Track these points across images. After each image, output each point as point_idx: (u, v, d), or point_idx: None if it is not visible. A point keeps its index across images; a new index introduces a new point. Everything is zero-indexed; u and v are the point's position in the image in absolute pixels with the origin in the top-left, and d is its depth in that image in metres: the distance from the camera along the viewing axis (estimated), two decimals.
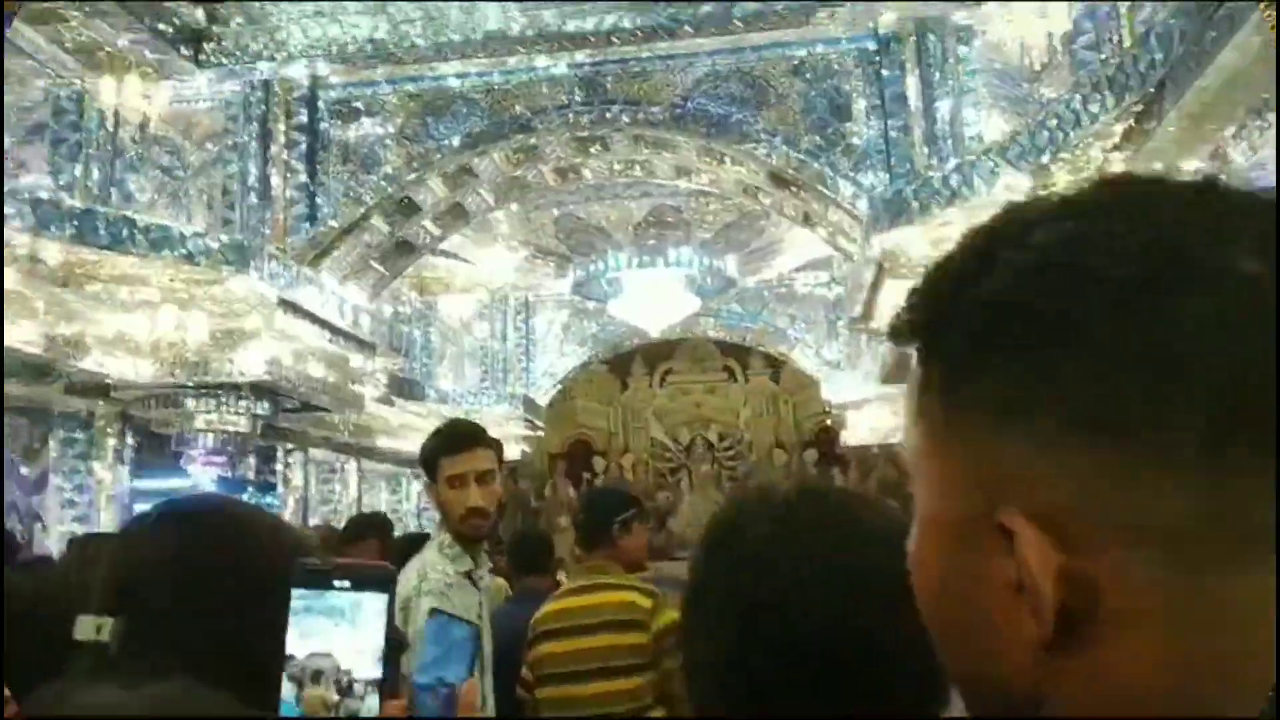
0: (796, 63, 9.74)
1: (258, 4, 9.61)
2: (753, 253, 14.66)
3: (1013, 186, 7.23)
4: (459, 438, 3.04)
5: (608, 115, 9.89)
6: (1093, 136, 6.35)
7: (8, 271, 7.75)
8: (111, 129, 9.92)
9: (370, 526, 5.50)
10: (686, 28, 9.34)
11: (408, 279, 13.95)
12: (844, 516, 1.11)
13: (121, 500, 10.15)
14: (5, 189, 7.62)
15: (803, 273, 16.04)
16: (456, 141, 10.08)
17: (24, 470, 9.61)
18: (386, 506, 16.91)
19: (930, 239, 8.16)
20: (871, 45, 9.61)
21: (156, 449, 10.80)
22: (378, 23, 9.58)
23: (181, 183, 10.99)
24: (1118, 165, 6.58)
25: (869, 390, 15.07)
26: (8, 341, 8.03)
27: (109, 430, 10.27)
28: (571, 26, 9.40)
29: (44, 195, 8.20)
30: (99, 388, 9.54)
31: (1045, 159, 6.80)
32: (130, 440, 10.49)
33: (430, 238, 11.49)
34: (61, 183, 9.71)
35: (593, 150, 10.49)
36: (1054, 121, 6.71)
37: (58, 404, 9.83)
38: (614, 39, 9.47)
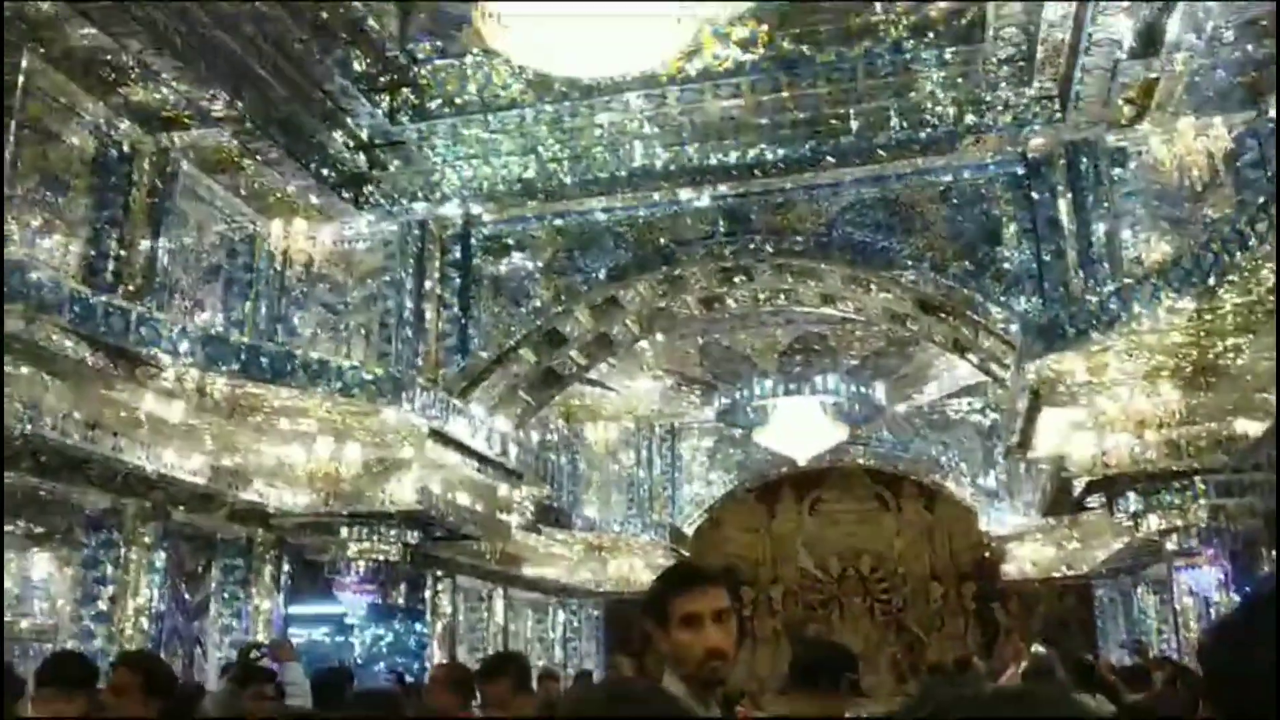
0: (943, 189, 9.65)
1: (415, 148, 10.10)
2: (901, 379, 14.36)
3: (1176, 310, 6.90)
4: (693, 574, 2.92)
5: (751, 245, 9.95)
6: (1262, 258, 6.00)
7: (178, 405, 8.18)
8: (279, 268, 10.49)
9: (506, 663, 5.41)
10: (829, 158, 9.36)
11: (555, 407, 14.16)
12: None
13: (277, 625, 10.38)
14: (183, 327, 8.09)
15: (955, 399, 15.62)
16: (603, 274, 10.28)
17: (187, 596, 9.94)
18: (533, 635, 16.89)
19: (1089, 364, 7.83)
20: (1020, 169, 9.45)
21: (310, 576, 11.07)
22: (527, 162, 9.94)
23: (342, 318, 11.48)
24: None
25: (1029, 521, 14.42)
26: (177, 473, 8.45)
27: (267, 557, 10.58)
28: (714, 160, 9.56)
29: (213, 331, 8.64)
30: (259, 516, 9.88)
31: (1211, 281, 6.47)
32: (286, 567, 10.77)
33: (576, 367, 11.65)
34: (233, 319, 10.26)
35: (737, 280, 10.54)
36: (1218, 243, 6.39)
37: (221, 531, 10.20)
38: (756, 171, 9.58)
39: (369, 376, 8.82)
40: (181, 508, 9.07)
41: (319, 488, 9.41)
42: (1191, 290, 6.72)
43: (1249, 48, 8.54)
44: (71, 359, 7.09)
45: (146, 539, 8.73)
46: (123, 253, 8.74)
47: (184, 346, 7.77)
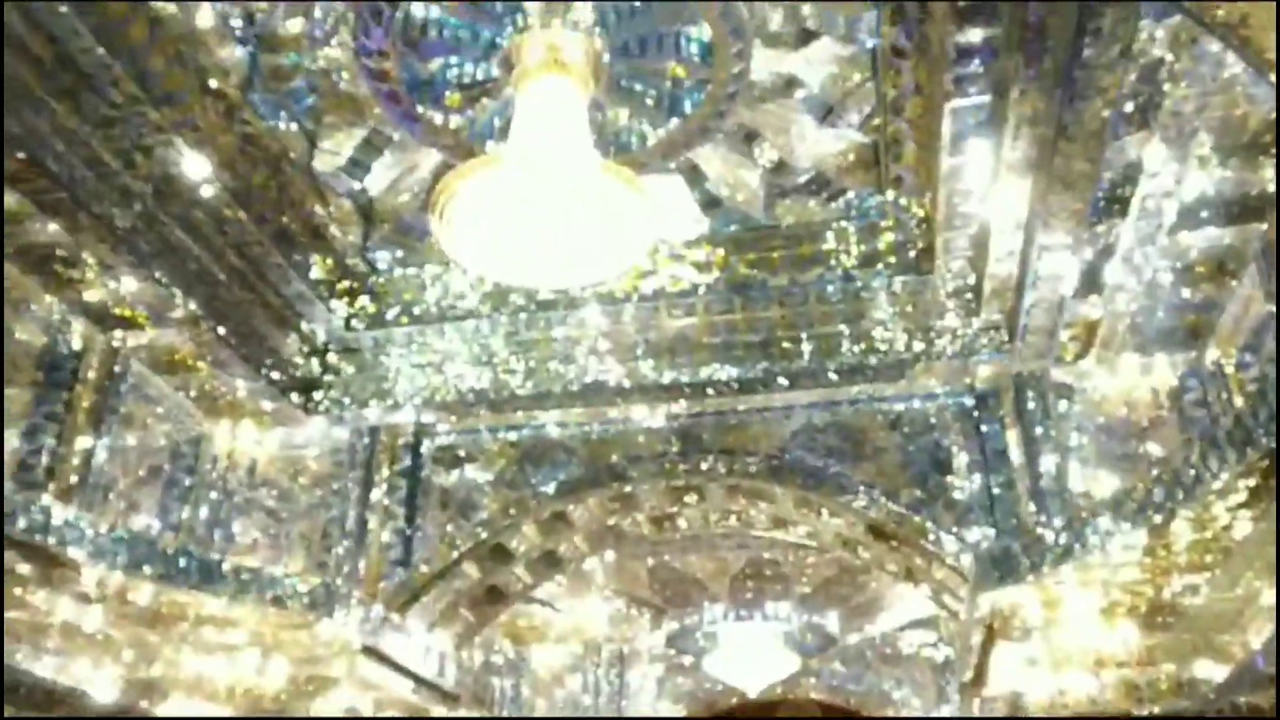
0: (894, 416, 9.70)
1: (370, 355, 10.08)
2: (855, 609, 14.07)
3: (1129, 545, 6.84)
4: None
5: (703, 465, 9.87)
6: (1214, 494, 5.99)
7: (96, 610, 7.76)
8: (223, 472, 10.23)
9: None
10: (781, 380, 9.43)
11: (499, 627, 13.65)
12: None
13: None
14: (110, 528, 7.78)
15: (908, 631, 15.27)
16: (553, 489, 10.11)
17: None
18: None
19: (1044, 599, 7.68)
20: (969, 400, 9.56)
21: None
22: (482, 373, 9.93)
23: (284, 525, 11.17)
24: (1245, 524, 6.17)
25: None
26: (86, 685, 7.91)
27: None
28: (668, 378, 9.59)
29: (139, 534, 8.33)
30: None
31: (1160, 518, 6.44)
32: None
33: (522, 585, 11.28)
34: (170, 522, 9.92)
35: (688, 499, 10.40)
36: (1169, 478, 6.40)
37: None
38: (710, 390, 9.61)
39: (303, 588, 8.47)
40: None
41: (239, 705, 8.85)
42: (1143, 525, 6.68)
43: (1185, 293, 8.86)
44: None
45: None
46: (60, 450, 8.48)
47: (107, 547, 7.44)
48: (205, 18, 7.21)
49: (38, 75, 6.64)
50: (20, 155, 6.74)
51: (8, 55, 6.40)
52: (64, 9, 6.28)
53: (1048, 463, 9.01)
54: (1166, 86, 6.34)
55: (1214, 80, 6.24)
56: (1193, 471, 6.18)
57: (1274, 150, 6.96)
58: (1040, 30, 5.78)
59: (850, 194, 9.14)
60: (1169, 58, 6.18)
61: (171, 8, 6.72)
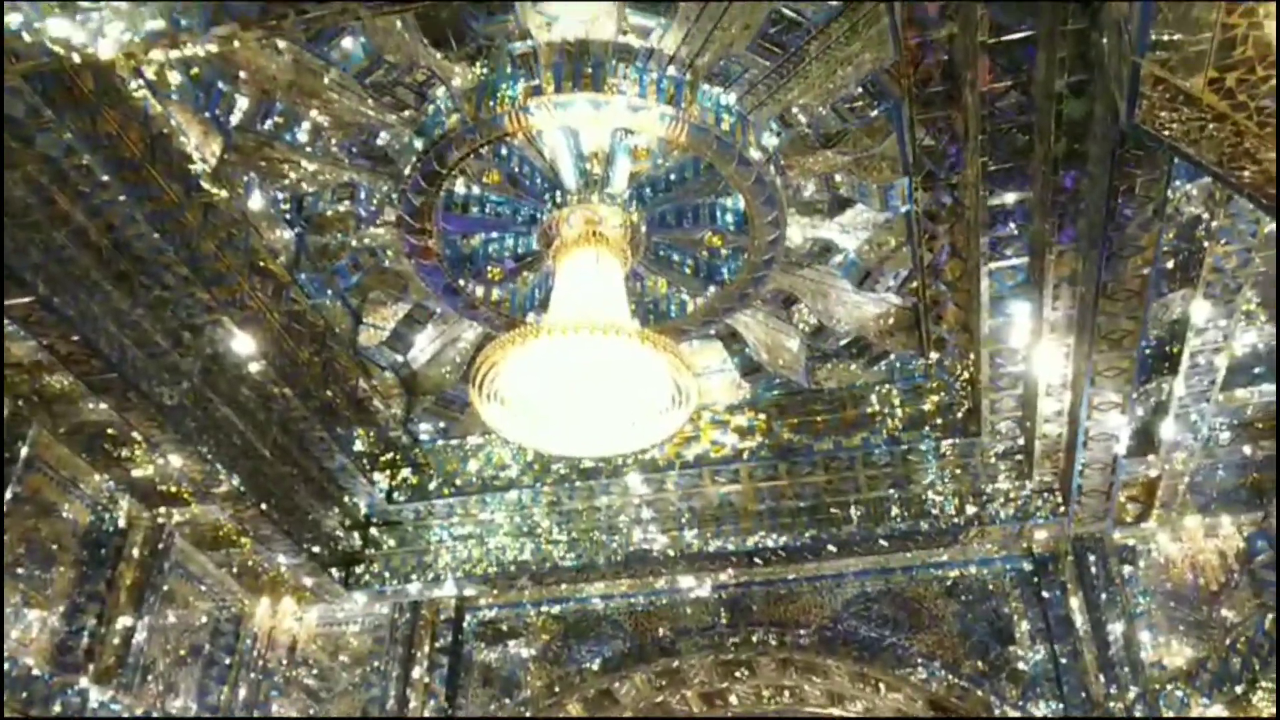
0: (950, 583, 9.40)
1: (411, 528, 10.01)
2: None
3: (1208, 718, 6.44)
4: None
5: (754, 638, 9.59)
6: None
7: None
8: (263, 651, 10.08)
9: None
10: (831, 547, 9.19)
11: None
12: None
13: None
14: (147, 714, 7.63)
15: None
16: (598, 665, 9.83)
17: None
18: None
19: None
20: (1028, 565, 9.25)
21: None
22: (524, 544, 9.79)
23: (324, 705, 10.88)
24: None
25: None
26: None
27: None
28: (714, 547, 9.39)
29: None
30: None
31: (1241, 689, 6.07)
32: None
33: None
34: (208, 703, 9.72)
35: (739, 674, 10.04)
36: (1245, 645, 6.07)
37: None
38: (757, 559, 9.38)
39: None
40: None
41: None
42: (1222, 698, 6.31)
43: (1246, 450, 8.62)
44: None
45: None
46: (100, 630, 8.43)
47: None
48: (256, 201, 7.47)
49: (97, 262, 6.86)
50: (74, 338, 6.92)
51: (68, 242, 6.64)
52: (122, 198, 6.52)
53: (1114, 630, 8.61)
54: (1206, 243, 6.30)
55: (1254, 236, 6.20)
56: (1271, 639, 5.85)
57: None
58: (1073, 192, 5.79)
59: (892, 357, 9.09)
60: (1205, 215, 6.16)
61: (224, 193, 6.97)
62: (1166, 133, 3.86)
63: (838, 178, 7.72)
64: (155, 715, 7.67)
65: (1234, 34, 3.35)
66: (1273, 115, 3.53)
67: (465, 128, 6.80)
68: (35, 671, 7.09)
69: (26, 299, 6.50)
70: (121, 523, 8.75)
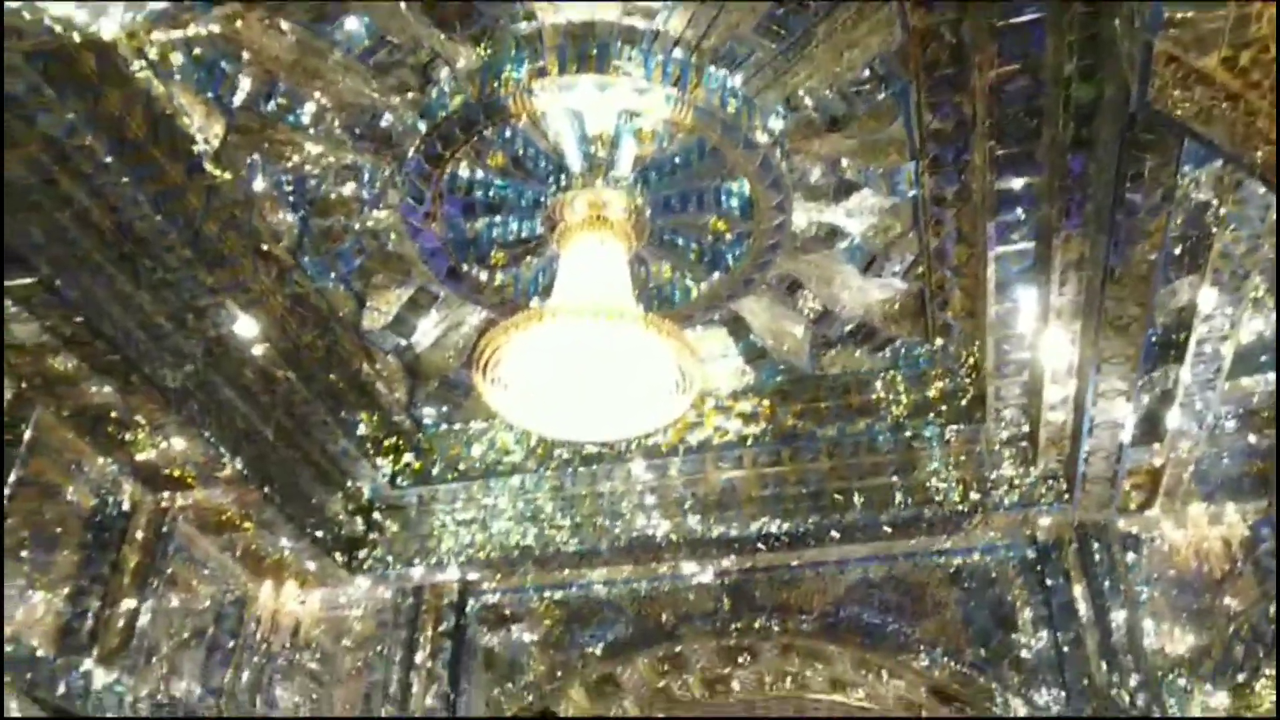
0: (953, 570, 9.38)
1: (414, 513, 10.01)
2: None
3: (1211, 707, 6.43)
4: None
5: (756, 624, 9.57)
6: None
7: None
8: (266, 634, 10.08)
9: None
10: (834, 534, 9.17)
11: None
12: None
13: None
14: (155, 698, 7.64)
15: None
16: (600, 650, 9.83)
17: None
18: None
19: None
20: (1031, 552, 9.22)
21: None
22: (527, 529, 9.79)
23: (326, 689, 10.89)
24: None
25: None
26: None
27: None
28: (717, 532, 9.37)
29: (175, 699, 8.16)
30: None
31: (1243, 677, 6.06)
32: None
33: None
34: (211, 686, 9.73)
35: (741, 660, 10.04)
36: (1249, 633, 6.05)
37: None
38: (760, 545, 9.36)
39: None
40: None
41: None
42: (1224, 686, 6.30)
43: (1251, 439, 8.59)
44: None
45: None
46: (105, 612, 8.42)
47: (145, 715, 7.27)
48: (259, 183, 7.44)
49: (99, 244, 6.84)
50: (77, 320, 6.90)
51: (70, 223, 6.62)
52: (125, 179, 6.50)
53: (1118, 618, 8.58)
54: (1214, 229, 6.25)
55: (1262, 222, 6.15)
56: (1274, 627, 5.84)
57: None
58: (1081, 177, 5.76)
59: (897, 343, 9.06)
60: (1214, 201, 6.11)
61: (227, 175, 6.94)
62: (1178, 112, 3.83)
63: (844, 162, 7.67)
64: (159, 697, 7.66)
65: (1249, 10, 3.32)
66: None
67: (469, 109, 6.77)
68: (40, 653, 7.09)
69: (29, 280, 6.49)
70: (125, 506, 8.73)
